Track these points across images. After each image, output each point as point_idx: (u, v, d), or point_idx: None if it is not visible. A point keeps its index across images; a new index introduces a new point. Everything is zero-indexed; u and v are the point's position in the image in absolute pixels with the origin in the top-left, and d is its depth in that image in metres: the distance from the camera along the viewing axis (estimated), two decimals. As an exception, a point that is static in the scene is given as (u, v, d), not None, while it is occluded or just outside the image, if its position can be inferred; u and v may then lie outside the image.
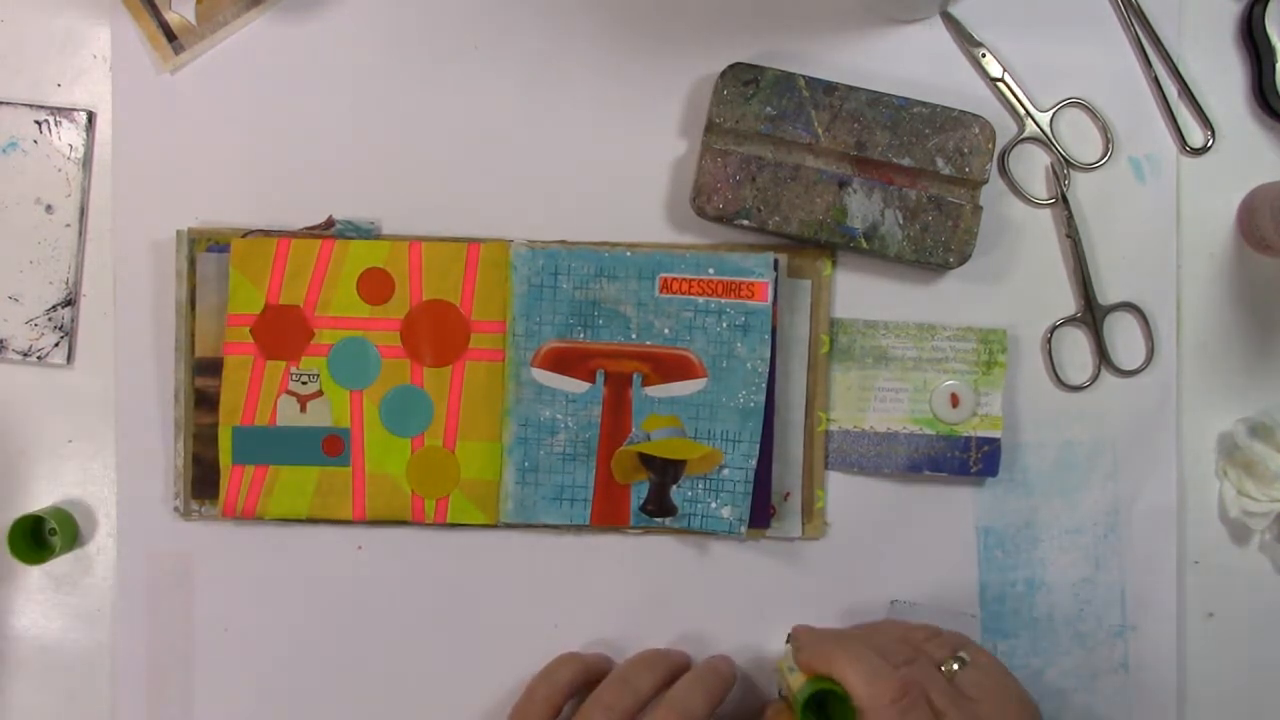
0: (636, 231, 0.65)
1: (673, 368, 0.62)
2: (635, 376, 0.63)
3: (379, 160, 0.65)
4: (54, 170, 0.65)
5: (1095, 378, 0.65)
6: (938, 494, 0.65)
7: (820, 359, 0.64)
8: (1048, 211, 0.65)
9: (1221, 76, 0.66)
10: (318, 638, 0.65)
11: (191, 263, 0.63)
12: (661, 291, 0.63)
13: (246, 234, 0.64)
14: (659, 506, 0.63)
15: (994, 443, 0.64)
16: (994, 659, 0.58)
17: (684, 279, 0.63)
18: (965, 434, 0.64)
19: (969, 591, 0.65)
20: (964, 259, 0.63)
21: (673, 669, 0.61)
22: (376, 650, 0.65)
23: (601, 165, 0.65)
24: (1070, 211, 0.65)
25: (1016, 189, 0.65)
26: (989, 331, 0.64)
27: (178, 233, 0.64)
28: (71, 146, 0.65)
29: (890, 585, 0.64)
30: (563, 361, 0.63)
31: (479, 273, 0.63)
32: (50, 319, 0.65)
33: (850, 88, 0.63)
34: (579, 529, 0.64)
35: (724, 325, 0.62)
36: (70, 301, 0.65)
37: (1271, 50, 0.64)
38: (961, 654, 0.57)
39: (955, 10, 0.65)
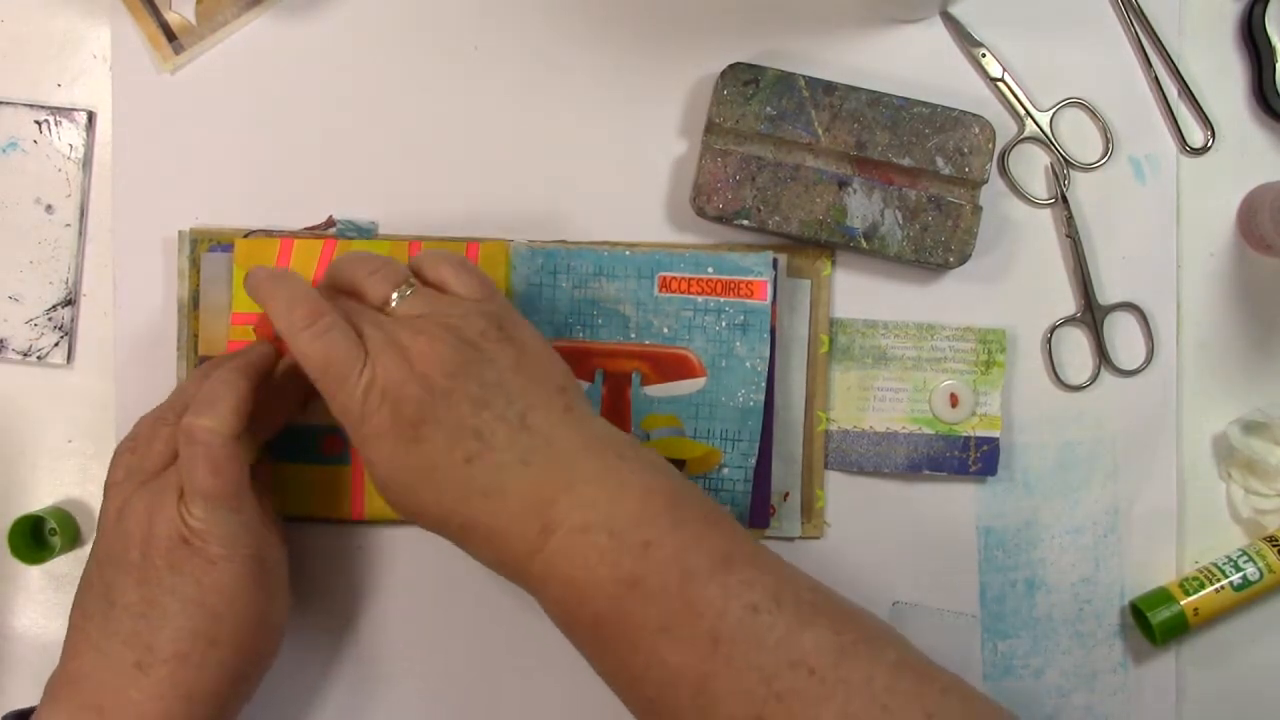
0: (636, 231, 0.65)
1: (672, 367, 0.62)
2: (634, 376, 0.63)
3: (379, 160, 0.65)
4: (54, 170, 0.65)
5: (1095, 378, 0.65)
6: (938, 494, 0.65)
7: (820, 359, 0.64)
8: (1048, 211, 0.65)
9: (1221, 76, 0.66)
10: (316, 638, 0.64)
11: (194, 262, 0.64)
12: (660, 290, 0.63)
13: (248, 234, 0.64)
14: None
15: (993, 442, 0.64)
16: (463, 279, 0.55)
17: (683, 278, 0.63)
18: (964, 434, 0.64)
19: (969, 591, 0.65)
20: (964, 259, 0.63)
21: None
22: (375, 650, 0.65)
23: (601, 165, 0.65)
24: (1070, 211, 0.65)
25: (1016, 189, 0.65)
26: (987, 331, 0.64)
27: (180, 233, 0.64)
28: (71, 146, 0.65)
29: (890, 585, 0.64)
30: (562, 361, 0.63)
31: (478, 272, 0.63)
32: (50, 319, 0.65)
33: (850, 88, 0.63)
34: (579, 529, 0.64)
35: (723, 324, 0.62)
36: (70, 301, 0.65)
37: (1271, 50, 0.64)
38: (409, 283, 0.55)
39: (955, 10, 0.65)
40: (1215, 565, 0.64)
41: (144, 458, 0.56)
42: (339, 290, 0.56)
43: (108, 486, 0.57)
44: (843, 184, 0.62)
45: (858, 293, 0.65)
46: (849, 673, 0.48)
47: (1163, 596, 0.63)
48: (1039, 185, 0.65)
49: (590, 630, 0.51)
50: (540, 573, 0.52)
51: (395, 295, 0.54)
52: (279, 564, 0.58)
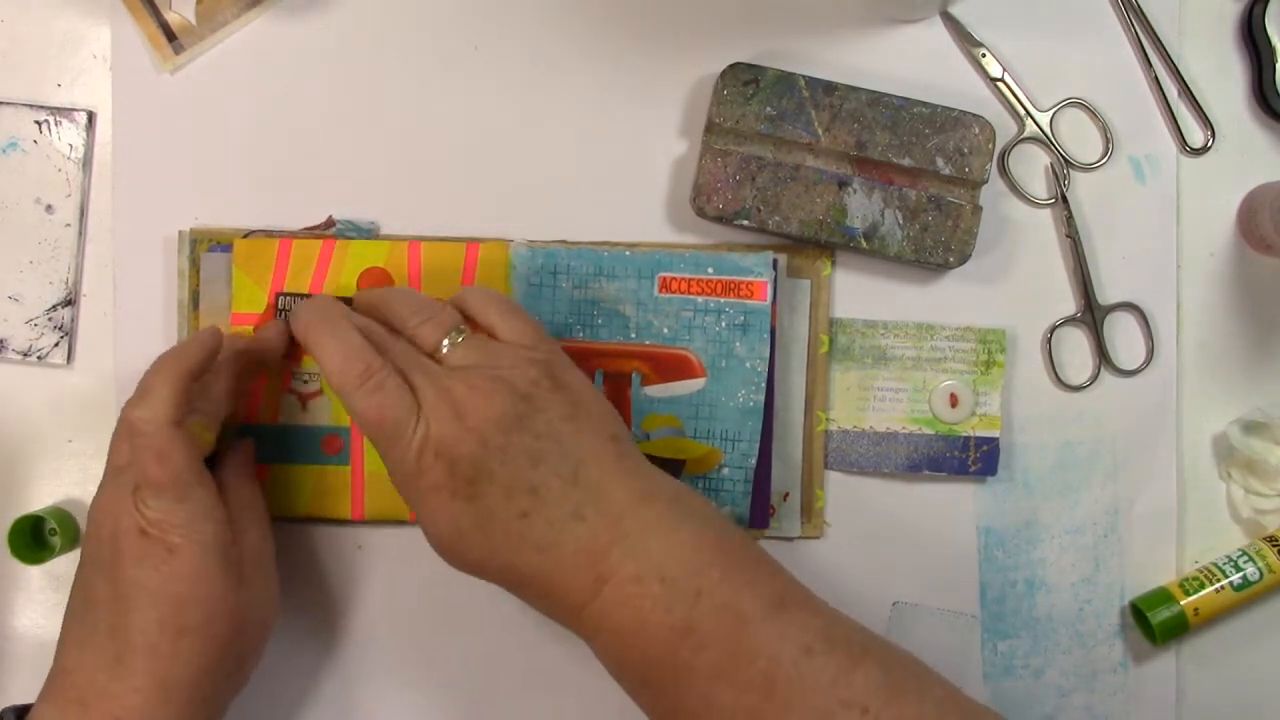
0: (636, 231, 0.65)
1: (672, 367, 0.62)
2: (634, 376, 0.63)
3: (379, 160, 0.65)
4: (54, 170, 0.65)
5: (1095, 378, 0.65)
6: (938, 494, 0.65)
7: (820, 359, 0.64)
8: (1048, 211, 0.65)
9: (1221, 76, 0.66)
10: (315, 637, 0.64)
11: (194, 263, 0.64)
12: (660, 291, 0.63)
13: (248, 234, 0.64)
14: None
15: (992, 442, 0.64)
16: (512, 324, 0.55)
17: (683, 278, 0.63)
18: (964, 434, 0.64)
19: (969, 591, 0.65)
20: (964, 259, 0.63)
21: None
22: (375, 650, 0.65)
23: (601, 165, 0.65)
24: (1070, 211, 0.65)
25: (1016, 189, 0.65)
26: (987, 331, 0.64)
27: (180, 233, 0.64)
28: (71, 146, 0.65)
29: (890, 585, 0.64)
30: (562, 361, 0.63)
31: (478, 272, 0.63)
32: (50, 319, 0.65)
33: (850, 88, 0.63)
34: (579, 529, 0.64)
35: (723, 324, 0.62)
36: (70, 301, 0.65)
37: (1271, 50, 0.64)
38: (459, 329, 0.55)
39: (955, 10, 0.65)
40: (1215, 565, 0.64)
41: (114, 454, 0.57)
42: (385, 324, 0.57)
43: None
44: (843, 184, 0.62)
45: (858, 293, 0.65)
46: (901, 711, 0.49)
47: (1163, 596, 0.63)
48: (1039, 185, 0.65)
49: (643, 675, 0.52)
50: (594, 621, 0.52)
51: (446, 342, 0.55)
52: (255, 551, 0.58)
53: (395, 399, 0.52)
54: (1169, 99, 0.65)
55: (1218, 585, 0.63)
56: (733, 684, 0.49)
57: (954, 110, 0.63)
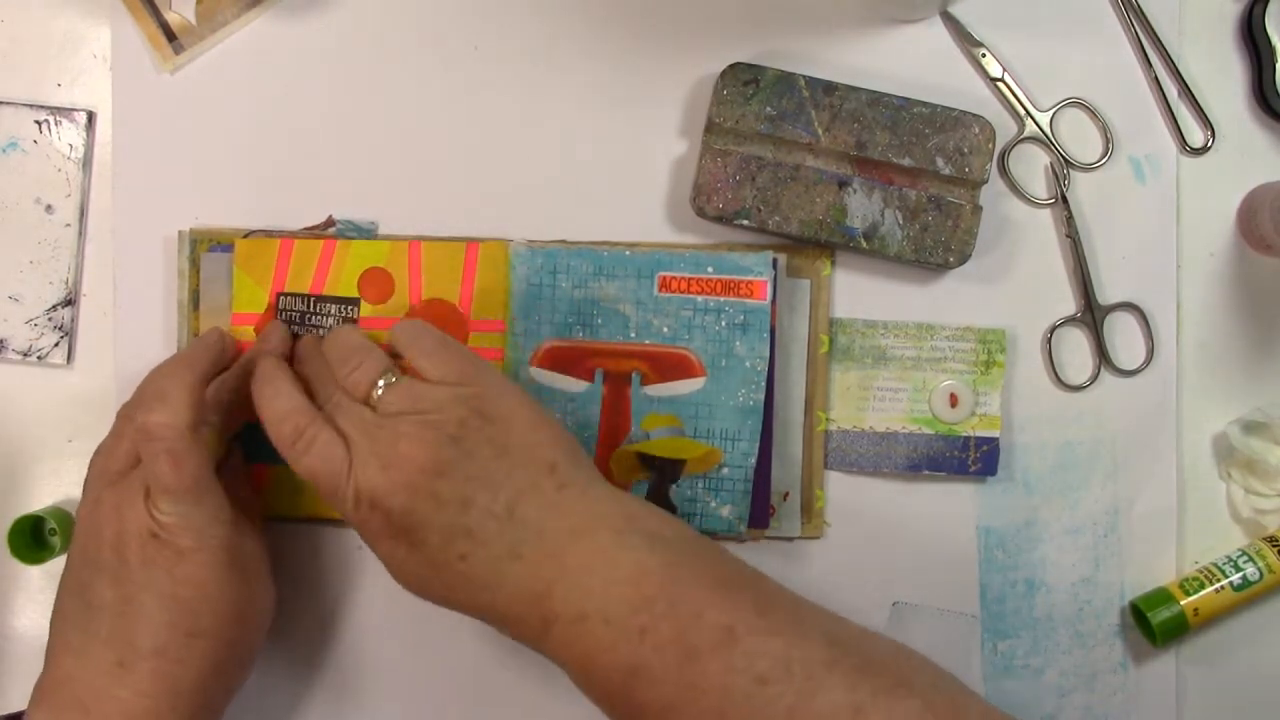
0: (636, 231, 0.65)
1: (672, 367, 0.62)
2: (634, 375, 0.63)
3: (379, 160, 0.65)
4: (54, 170, 0.65)
5: (1095, 378, 0.65)
6: (938, 494, 0.65)
7: (820, 359, 0.64)
8: (1048, 211, 0.65)
9: (1221, 76, 0.66)
10: (316, 638, 0.64)
11: (194, 263, 0.64)
12: (660, 290, 0.63)
13: (248, 234, 0.64)
14: (658, 506, 0.62)
15: (992, 442, 0.64)
16: (439, 363, 0.55)
17: (683, 278, 0.63)
18: (964, 434, 0.64)
19: (969, 591, 0.65)
20: (964, 259, 0.63)
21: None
22: (375, 650, 0.65)
23: (601, 165, 0.65)
24: (1070, 211, 0.65)
25: (1016, 189, 0.65)
26: (987, 331, 0.64)
27: (180, 233, 0.64)
28: (71, 146, 0.65)
29: (890, 585, 0.64)
30: (561, 361, 0.63)
31: (478, 272, 0.63)
32: (50, 319, 0.65)
33: (850, 88, 0.63)
34: (578, 529, 0.64)
35: (723, 324, 0.62)
36: (70, 301, 0.65)
37: (1271, 50, 0.64)
38: (389, 374, 0.55)
39: (955, 10, 0.65)
40: (1215, 565, 0.64)
41: (110, 458, 0.57)
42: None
43: (83, 489, 0.58)
44: (843, 184, 0.62)
45: (858, 293, 0.65)
46: None
47: (1163, 596, 0.63)
48: (1039, 185, 0.65)
49: (604, 705, 0.52)
50: (553, 654, 0.52)
51: (382, 383, 0.55)
52: (255, 553, 0.58)
53: (325, 455, 0.53)
54: (1169, 99, 0.65)
55: (1218, 585, 0.63)
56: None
57: (954, 110, 0.63)
